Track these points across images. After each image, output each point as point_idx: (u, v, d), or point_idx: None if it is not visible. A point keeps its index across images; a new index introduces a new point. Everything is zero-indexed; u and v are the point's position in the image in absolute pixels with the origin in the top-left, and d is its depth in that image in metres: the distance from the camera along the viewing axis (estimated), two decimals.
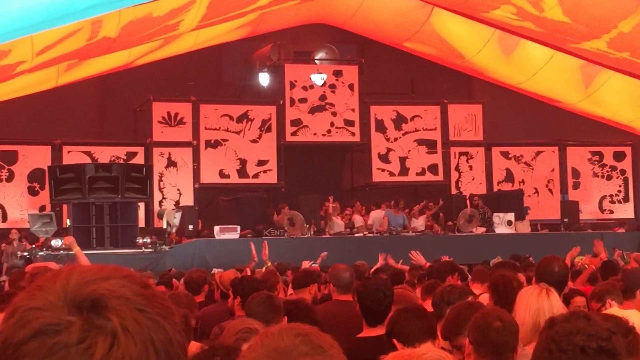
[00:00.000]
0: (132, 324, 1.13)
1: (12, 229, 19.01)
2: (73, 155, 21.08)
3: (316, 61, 23.83)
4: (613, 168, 25.23)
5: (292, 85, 23.02)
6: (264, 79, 23.51)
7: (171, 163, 21.99)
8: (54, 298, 1.15)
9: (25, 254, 16.54)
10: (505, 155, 24.62)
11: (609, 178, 25.19)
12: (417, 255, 10.50)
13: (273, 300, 5.30)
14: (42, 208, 20.25)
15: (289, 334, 1.58)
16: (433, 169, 23.98)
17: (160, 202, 21.57)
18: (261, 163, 22.66)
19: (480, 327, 3.87)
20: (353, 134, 23.39)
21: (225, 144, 22.41)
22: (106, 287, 1.15)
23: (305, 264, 12.05)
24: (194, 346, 5.28)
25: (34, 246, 16.97)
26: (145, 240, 17.38)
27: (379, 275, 9.57)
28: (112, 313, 1.13)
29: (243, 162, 22.51)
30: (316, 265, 12.65)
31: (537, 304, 4.35)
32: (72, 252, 15.78)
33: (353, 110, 23.38)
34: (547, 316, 4.17)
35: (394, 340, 4.05)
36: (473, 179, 24.26)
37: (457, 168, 24.26)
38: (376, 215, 21.03)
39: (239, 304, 6.37)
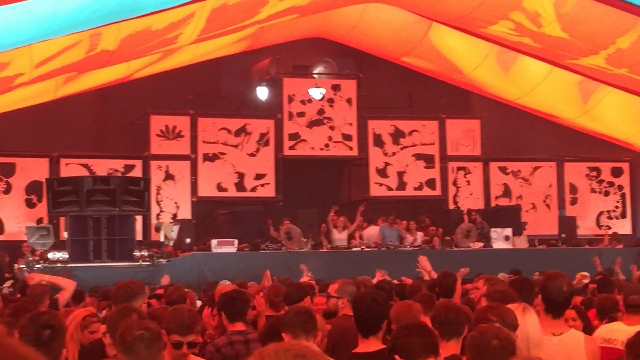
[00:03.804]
0: None
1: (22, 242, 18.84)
2: (71, 168, 21.05)
3: (314, 75, 23.85)
4: (611, 184, 25.23)
5: (290, 99, 23.02)
6: (262, 92, 23.50)
7: (169, 176, 21.98)
8: None
9: (23, 266, 16.50)
10: (503, 170, 24.61)
11: (607, 194, 25.19)
12: (425, 262, 10.29)
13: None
14: (40, 220, 20.19)
15: (287, 355, 1.51)
16: (431, 183, 23.97)
17: (158, 215, 21.54)
18: (259, 177, 22.65)
19: (478, 347, 3.91)
20: (351, 148, 23.38)
21: (223, 158, 22.40)
22: None
23: (305, 278, 12.04)
24: None
25: (31, 258, 16.92)
26: (142, 253, 17.36)
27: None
28: None
29: (241, 176, 22.50)
30: (311, 278, 12.63)
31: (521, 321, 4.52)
32: (70, 265, 15.89)
33: (351, 124, 23.38)
34: (524, 334, 4.42)
35: (396, 357, 4.03)
36: (471, 194, 24.25)
37: (454, 183, 24.25)
38: (370, 232, 20.99)
39: (225, 318, 6.33)
